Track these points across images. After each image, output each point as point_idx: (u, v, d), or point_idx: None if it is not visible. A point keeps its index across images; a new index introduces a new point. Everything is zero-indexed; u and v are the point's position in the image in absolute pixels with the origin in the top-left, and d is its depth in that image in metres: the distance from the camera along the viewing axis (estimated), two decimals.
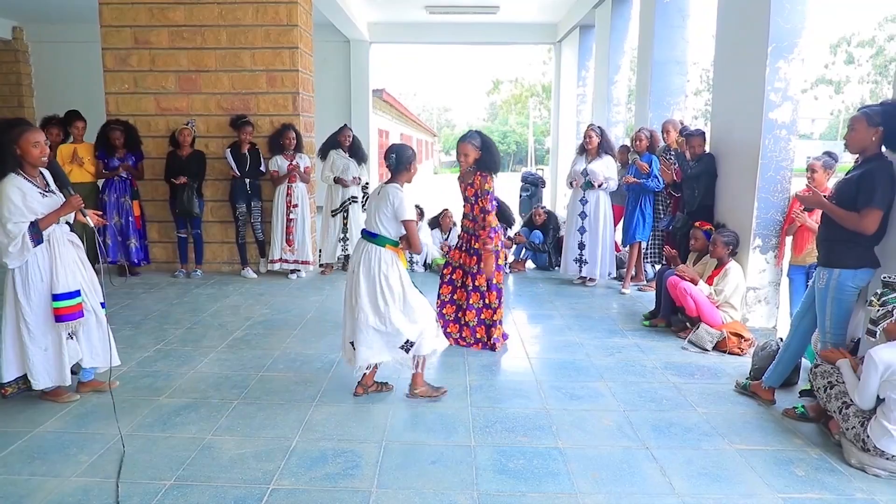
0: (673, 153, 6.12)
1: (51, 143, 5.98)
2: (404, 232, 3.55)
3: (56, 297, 3.44)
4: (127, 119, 6.95)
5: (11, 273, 3.42)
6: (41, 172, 3.50)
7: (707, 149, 5.66)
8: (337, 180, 7.04)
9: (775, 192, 4.97)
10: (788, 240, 4.93)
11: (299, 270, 7.10)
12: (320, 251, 7.40)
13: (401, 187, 3.57)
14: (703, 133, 5.69)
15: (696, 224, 5.35)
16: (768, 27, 4.76)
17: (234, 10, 7.02)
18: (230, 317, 5.45)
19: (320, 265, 7.41)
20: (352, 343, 3.64)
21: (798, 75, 4.84)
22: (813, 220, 4.44)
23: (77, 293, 3.52)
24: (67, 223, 3.63)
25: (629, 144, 6.80)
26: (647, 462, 3.03)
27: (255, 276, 7.12)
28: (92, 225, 3.63)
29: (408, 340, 3.60)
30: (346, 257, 7.31)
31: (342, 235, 7.21)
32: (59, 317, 3.45)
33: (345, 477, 2.85)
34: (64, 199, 3.52)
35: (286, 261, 7.02)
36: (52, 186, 3.53)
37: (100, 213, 3.95)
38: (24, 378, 3.55)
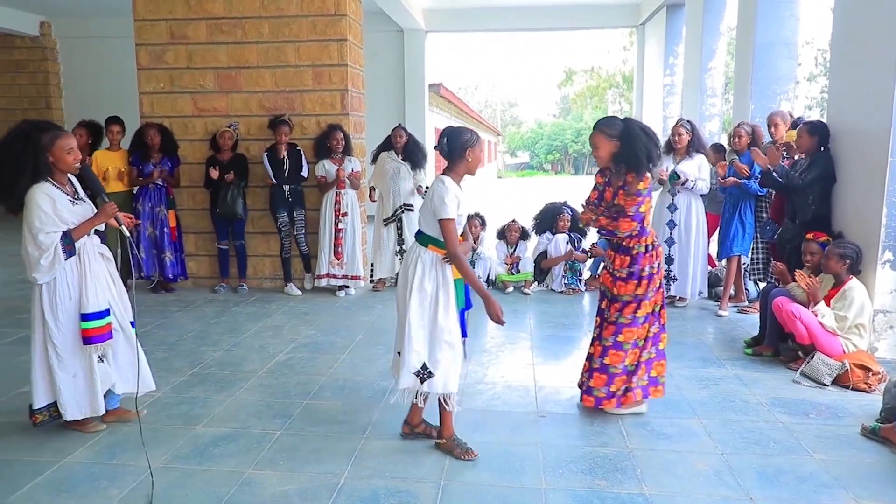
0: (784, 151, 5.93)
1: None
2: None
3: (85, 317, 3.52)
4: (162, 121, 7.25)
5: (38, 291, 3.51)
6: (70, 179, 3.62)
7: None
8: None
9: None
10: None
11: (348, 287, 7.21)
12: (372, 265, 7.51)
13: (450, 179, 3.35)
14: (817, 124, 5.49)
15: (810, 236, 5.16)
16: None
17: None
18: (272, 338, 5.60)
19: (372, 280, 7.52)
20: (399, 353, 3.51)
21: None
22: None
23: (107, 312, 3.61)
24: (99, 233, 3.73)
25: (726, 143, 6.63)
26: None
27: (299, 293, 7.28)
28: (127, 233, 3.65)
29: (424, 365, 3.35)
30: None
31: (398, 248, 7.30)
32: (88, 339, 3.54)
33: None
34: (95, 208, 3.65)
35: (334, 276, 7.11)
36: (81, 194, 3.66)
37: (131, 216, 3.89)
38: (56, 405, 3.63)
